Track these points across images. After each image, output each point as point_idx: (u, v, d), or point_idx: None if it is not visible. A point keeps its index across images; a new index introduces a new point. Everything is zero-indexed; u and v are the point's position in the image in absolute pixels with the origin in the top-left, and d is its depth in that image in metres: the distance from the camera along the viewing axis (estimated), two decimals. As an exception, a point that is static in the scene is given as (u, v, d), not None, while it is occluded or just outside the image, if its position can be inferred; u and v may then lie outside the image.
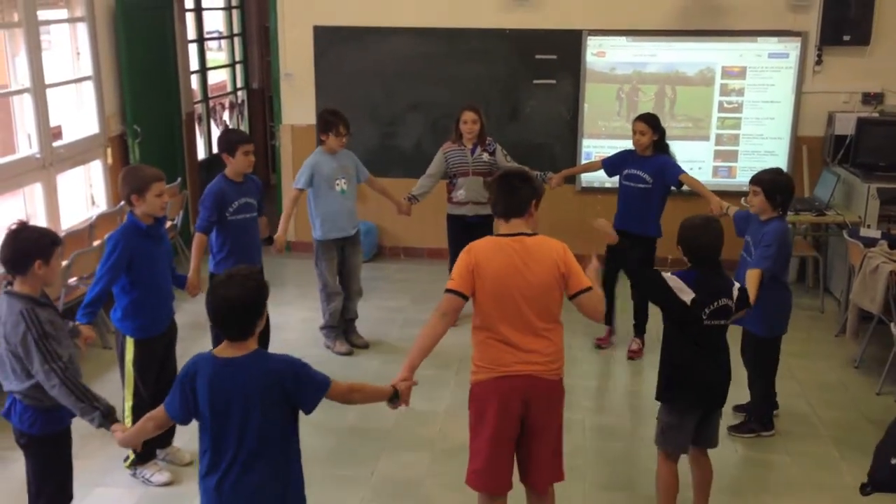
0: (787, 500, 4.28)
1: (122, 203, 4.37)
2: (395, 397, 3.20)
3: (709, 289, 3.63)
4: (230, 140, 4.93)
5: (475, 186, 5.97)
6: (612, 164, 5.90)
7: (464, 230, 5.94)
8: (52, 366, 3.13)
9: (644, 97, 7.36)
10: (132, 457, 4.30)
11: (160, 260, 4.24)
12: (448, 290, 3.33)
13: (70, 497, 3.53)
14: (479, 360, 3.39)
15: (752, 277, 4.35)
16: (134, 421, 3.96)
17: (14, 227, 3.26)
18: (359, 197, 6.08)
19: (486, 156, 6.02)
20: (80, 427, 3.45)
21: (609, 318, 5.80)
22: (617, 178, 5.85)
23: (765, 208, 4.49)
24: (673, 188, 5.65)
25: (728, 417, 4.83)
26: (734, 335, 4.15)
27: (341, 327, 5.91)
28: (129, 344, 4.20)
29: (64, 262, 5.58)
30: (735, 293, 3.73)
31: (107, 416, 3.19)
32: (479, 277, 3.30)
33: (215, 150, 9.44)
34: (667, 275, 3.69)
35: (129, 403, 4.22)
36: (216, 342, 4.54)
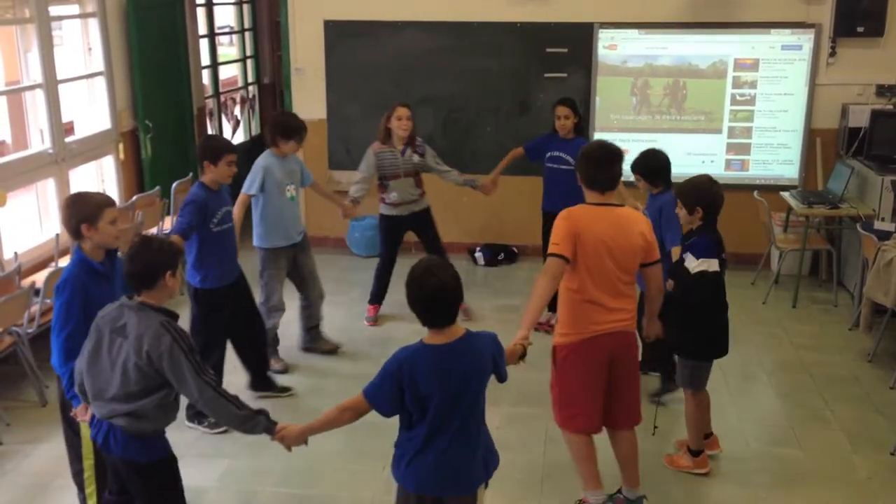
0: (800, 493, 4.26)
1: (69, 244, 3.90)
2: (524, 354, 3.38)
3: (718, 244, 4.02)
4: (215, 148, 4.70)
5: (406, 187, 5.98)
6: (534, 149, 6.14)
7: (397, 228, 6.12)
8: (204, 378, 3.02)
9: (656, 90, 7.33)
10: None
11: (106, 297, 3.42)
12: (552, 255, 3.62)
13: None
14: (572, 322, 3.73)
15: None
16: (97, 484, 3.57)
17: (137, 241, 3.14)
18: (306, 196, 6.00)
19: (416, 157, 5.96)
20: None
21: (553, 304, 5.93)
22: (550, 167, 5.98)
23: (649, 188, 4.79)
24: None
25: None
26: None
27: (301, 338, 5.76)
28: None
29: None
30: None
31: (269, 420, 3.15)
32: (580, 243, 3.60)
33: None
34: (692, 262, 3.96)
35: (88, 462, 3.61)
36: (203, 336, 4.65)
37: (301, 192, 5.60)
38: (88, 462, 3.53)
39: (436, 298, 2.86)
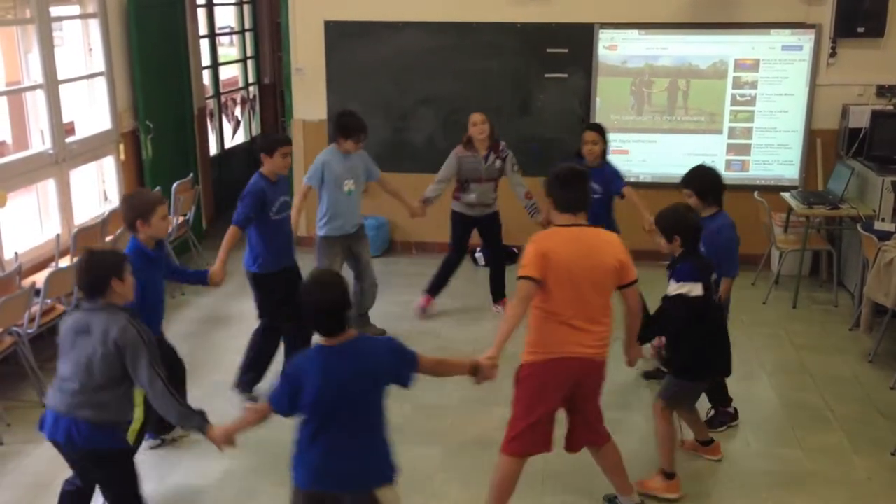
0: (800, 493, 4.26)
1: (120, 231, 4.35)
2: (477, 372, 3.43)
3: (705, 272, 3.98)
4: (271, 141, 5.01)
5: (486, 191, 6.16)
6: None
7: (468, 226, 6.29)
8: (156, 371, 3.31)
9: (657, 90, 7.33)
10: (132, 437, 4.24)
11: (159, 282, 4.29)
12: (521, 277, 3.55)
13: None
14: (538, 341, 3.65)
15: (725, 285, 4.51)
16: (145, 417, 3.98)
17: (83, 255, 3.44)
18: (370, 193, 6.09)
19: (498, 163, 6.09)
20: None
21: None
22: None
23: (701, 207, 4.52)
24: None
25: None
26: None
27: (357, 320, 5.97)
28: None
29: (76, 258, 5.62)
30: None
31: (205, 419, 3.40)
32: (550, 265, 3.53)
33: (227, 145, 9.55)
34: (673, 286, 3.93)
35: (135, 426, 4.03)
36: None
37: (363, 186, 5.81)
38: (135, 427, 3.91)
39: (322, 310, 3.01)
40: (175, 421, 3.47)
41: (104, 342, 3.30)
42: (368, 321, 6.07)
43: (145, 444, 4.64)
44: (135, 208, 4.09)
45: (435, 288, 6.42)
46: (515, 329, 3.56)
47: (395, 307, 6.52)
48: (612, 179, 5.71)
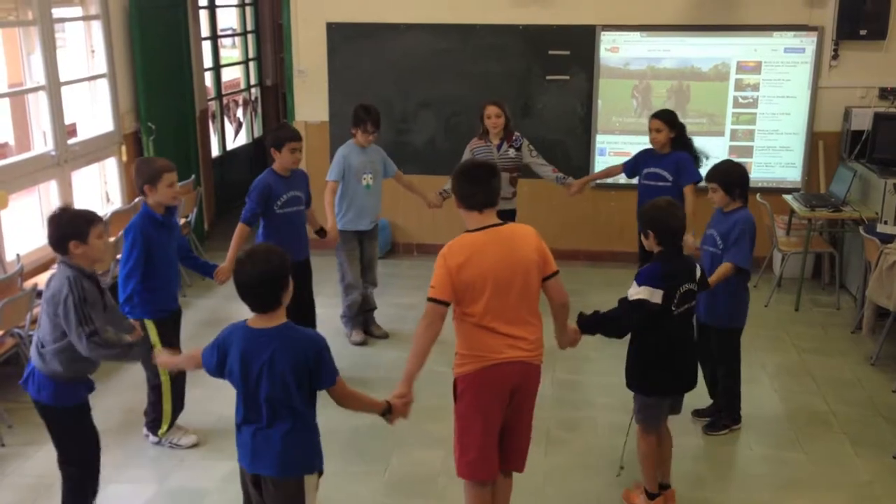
0: (803, 497, 4.25)
1: (138, 199, 4.55)
2: (389, 411, 3.29)
3: (673, 277, 3.73)
4: (278, 136, 5.05)
5: (503, 182, 6.01)
6: (631, 167, 5.93)
7: None
8: (83, 328, 3.42)
9: (658, 92, 7.32)
10: (166, 424, 4.57)
11: (170, 249, 4.45)
12: (430, 300, 3.33)
13: (96, 471, 3.80)
14: (467, 349, 3.39)
15: (723, 269, 4.40)
16: (173, 390, 4.51)
17: (55, 211, 3.57)
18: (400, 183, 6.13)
19: (512, 151, 6.03)
20: (55, 453, 3.72)
21: None
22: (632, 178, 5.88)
23: (727, 201, 4.50)
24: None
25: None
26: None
27: (360, 318, 6.00)
28: (150, 326, 4.37)
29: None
30: (697, 274, 3.89)
31: (140, 346, 3.70)
32: (462, 277, 3.29)
33: (229, 147, 9.55)
34: (633, 290, 3.72)
35: (164, 378, 4.48)
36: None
37: (381, 182, 5.86)
38: (165, 378, 4.45)
39: (251, 285, 2.95)
40: (118, 359, 3.75)
41: (46, 296, 3.49)
42: (374, 320, 6.11)
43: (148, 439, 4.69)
44: (142, 174, 4.28)
45: None
46: (427, 358, 3.35)
47: (396, 309, 6.51)
48: (682, 169, 5.53)
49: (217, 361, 3.06)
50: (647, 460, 4.00)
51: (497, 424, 3.44)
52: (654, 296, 3.68)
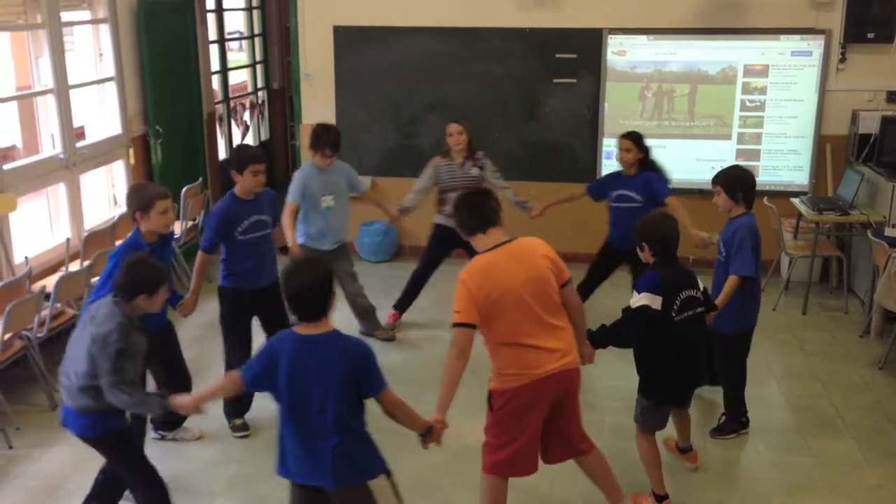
0: (810, 501, 4.24)
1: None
2: (428, 433, 3.36)
3: (672, 284, 3.82)
4: (242, 158, 4.74)
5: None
6: (598, 189, 5.96)
7: (449, 241, 6.02)
8: (113, 377, 3.37)
9: (665, 95, 7.32)
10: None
11: None
12: (457, 325, 3.39)
13: (163, 488, 3.71)
14: (508, 367, 3.46)
15: (729, 284, 4.43)
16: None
17: (131, 259, 3.58)
18: (361, 197, 6.10)
19: (475, 170, 6.00)
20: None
21: None
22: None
23: (729, 205, 4.52)
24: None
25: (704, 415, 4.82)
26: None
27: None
28: None
29: (86, 262, 5.64)
30: (700, 288, 3.97)
31: (162, 397, 3.51)
32: (486, 299, 3.36)
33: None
34: (634, 299, 3.82)
35: None
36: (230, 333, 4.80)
37: (347, 201, 5.77)
38: None
39: (300, 295, 3.03)
40: (136, 407, 3.57)
41: (91, 334, 3.42)
42: (376, 322, 6.10)
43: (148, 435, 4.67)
44: (134, 201, 4.12)
45: (404, 303, 6.31)
46: (457, 386, 3.41)
47: (407, 314, 6.50)
48: (653, 187, 5.62)
49: (262, 371, 3.07)
50: (650, 462, 4.04)
51: (537, 432, 3.55)
52: (655, 302, 3.76)
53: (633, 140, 5.66)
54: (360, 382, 3.04)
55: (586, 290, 5.93)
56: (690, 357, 3.95)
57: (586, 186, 6.06)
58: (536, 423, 3.53)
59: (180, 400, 3.45)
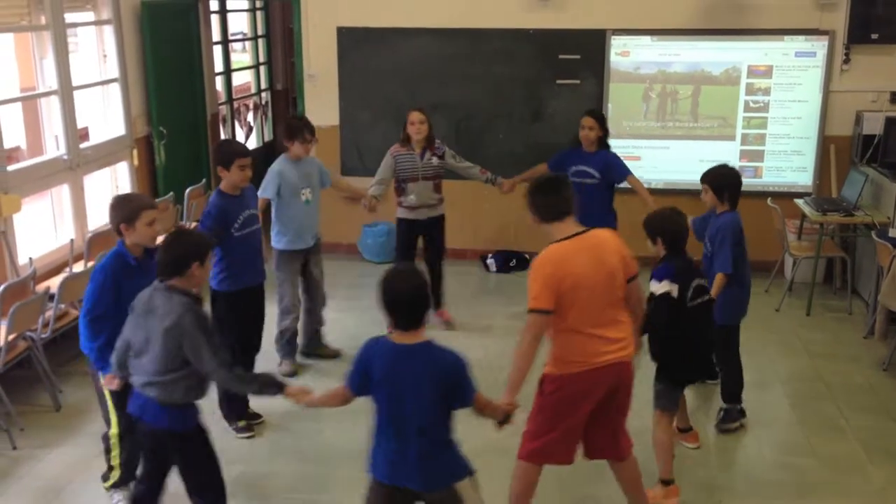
0: (814, 502, 4.23)
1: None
2: (507, 419, 3.37)
3: (685, 274, 4.01)
4: (227, 152, 4.71)
5: (425, 190, 5.98)
6: (556, 163, 6.01)
7: (413, 233, 6.07)
8: (218, 359, 3.29)
9: (669, 96, 7.31)
10: (114, 478, 4.12)
11: (133, 290, 3.69)
12: (533, 311, 3.44)
13: (223, 486, 3.61)
14: (568, 353, 3.52)
15: (717, 281, 4.57)
16: (122, 449, 4.03)
17: (173, 232, 3.45)
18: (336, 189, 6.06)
19: (435, 160, 5.96)
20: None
21: None
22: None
23: (715, 203, 4.69)
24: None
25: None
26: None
27: (292, 346, 5.63)
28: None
29: (90, 263, 5.65)
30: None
31: (278, 386, 3.42)
32: (561, 289, 3.42)
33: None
34: (655, 286, 3.96)
35: (114, 431, 4.01)
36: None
37: (319, 195, 5.58)
38: (114, 431, 3.98)
39: (402, 303, 3.04)
40: (254, 395, 3.47)
41: (164, 329, 3.28)
42: (320, 341, 5.82)
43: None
44: (119, 212, 3.85)
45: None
46: (528, 369, 3.45)
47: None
48: (613, 166, 5.75)
49: (361, 380, 3.11)
50: (662, 447, 4.16)
51: (581, 423, 3.60)
52: (673, 290, 3.95)
53: (597, 119, 5.80)
54: (454, 394, 3.07)
55: None
56: (702, 341, 4.14)
57: (547, 162, 6.12)
58: (584, 413, 3.57)
59: (296, 389, 3.42)
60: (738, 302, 4.74)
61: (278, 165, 5.38)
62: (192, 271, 3.34)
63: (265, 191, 5.31)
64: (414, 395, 3.01)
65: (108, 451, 4.12)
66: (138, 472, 3.70)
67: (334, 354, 5.78)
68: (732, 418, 4.83)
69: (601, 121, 5.82)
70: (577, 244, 3.51)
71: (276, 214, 5.39)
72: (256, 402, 4.88)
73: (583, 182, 5.73)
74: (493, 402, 3.27)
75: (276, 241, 5.45)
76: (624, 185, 5.95)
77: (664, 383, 4.14)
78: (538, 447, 3.63)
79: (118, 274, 3.79)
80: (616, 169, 5.82)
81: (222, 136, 8.93)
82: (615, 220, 5.79)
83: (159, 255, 3.40)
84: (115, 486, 4.15)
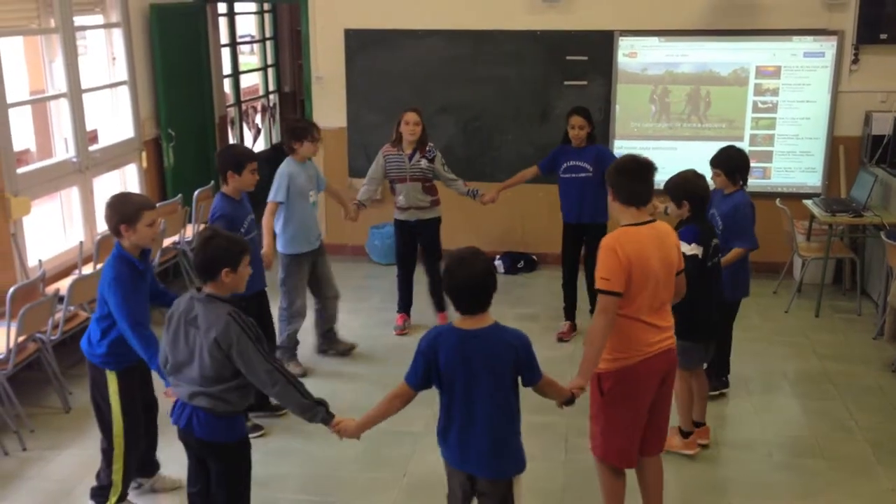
0: (823, 503, 4.23)
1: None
2: (572, 401, 3.39)
3: (706, 236, 4.27)
4: (238, 156, 4.73)
5: (413, 192, 5.95)
6: (547, 165, 6.05)
7: (409, 234, 6.08)
8: (272, 366, 3.19)
9: (676, 97, 7.30)
10: (116, 495, 4.00)
11: (144, 296, 3.88)
12: (606, 292, 3.45)
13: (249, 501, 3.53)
14: (626, 345, 3.51)
15: (734, 253, 4.80)
16: (126, 456, 3.94)
17: (205, 235, 3.31)
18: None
19: (424, 162, 5.92)
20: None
21: (570, 314, 6.18)
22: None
23: (727, 184, 4.91)
24: None
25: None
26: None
27: (295, 350, 5.63)
28: (112, 378, 3.90)
29: (99, 265, 5.67)
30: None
31: (328, 412, 3.30)
32: (632, 273, 3.44)
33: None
34: (685, 247, 4.06)
35: (118, 431, 3.94)
36: None
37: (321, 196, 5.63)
38: (118, 431, 3.90)
39: (467, 287, 3.03)
40: (299, 415, 3.30)
41: (208, 339, 3.16)
42: (335, 336, 5.86)
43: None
44: (119, 212, 3.77)
45: (401, 305, 6.27)
46: (602, 351, 3.47)
47: (415, 317, 6.51)
48: (605, 158, 5.74)
49: (424, 371, 3.11)
50: (683, 399, 4.42)
51: (645, 415, 3.62)
52: (699, 251, 4.19)
53: (586, 116, 5.85)
54: (522, 372, 3.11)
55: (569, 279, 6.10)
56: (717, 297, 4.42)
57: (537, 164, 6.13)
58: (646, 405, 3.59)
59: (346, 424, 3.29)
60: (746, 279, 5.00)
61: (287, 168, 5.35)
62: (222, 278, 3.21)
63: (277, 194, 5.30)
64: (485, 381, 3.04)
65: (108, 465, 3.99)
66: (188, 489, 3.54)
67: (350, 348, 5.88)
68: (714, 387, 4.97)
69: (589, 118, 5.87)
70: (645, 233, 3.53)
71: (285, 217, 5.36)
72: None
73: (576, 177, 5.84)
74: (557, 384, 3.29)
75: (286, 245, 5.42)
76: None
77: (688, 340, 4.21)
78: (617, 448, 3.63)
79: (125, 276, 3.74)
80: (609, 160, 5.65)
81: (230, 139, 8.96)
82: (608, 214, 5.77)
83: (193, 257, 3.35)
84: (119, 500, 4.03)
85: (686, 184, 4.30)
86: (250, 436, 4.62)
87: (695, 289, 3.98)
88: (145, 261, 3.88)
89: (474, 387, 3.05)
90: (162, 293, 4.09)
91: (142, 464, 4.19)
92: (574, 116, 5.85)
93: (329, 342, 5.84)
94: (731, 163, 4.89)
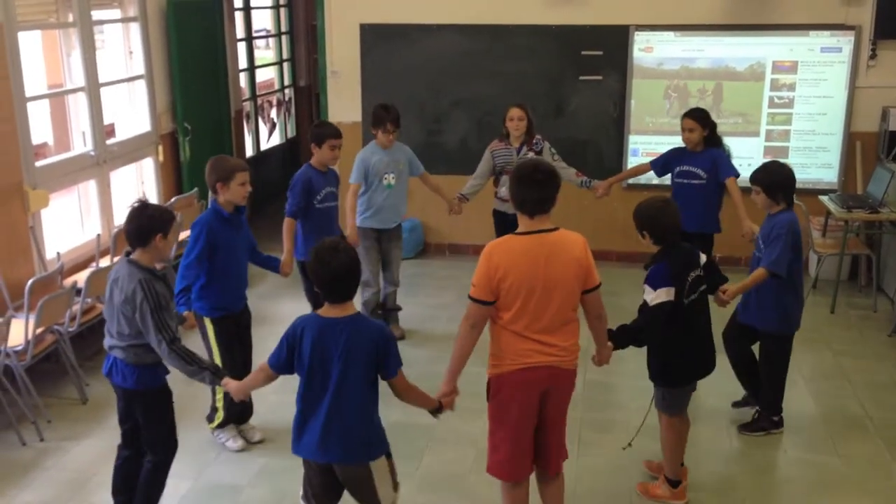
0: (838, 500, 4.21)
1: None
2: (439, 410, 3.46)
3: (679, 270, 3.78)
4: (320, 133, 5.27)
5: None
6: (661, 164, 5.83)
7: (505, 224, 6.03)
8: (163, 335, 3.50)
9: (692, 92, 7.28)
10: (219, 419, 4.59)
11: (238, 248, 4.47)
12: (472, 299, 3.36)
13: (176, 444, 3.86)
14: (500, 353, 3.42)
15: (756, 274, 4.39)
16: (229, 400, 4.29)
17: (137, 204, 3.63)
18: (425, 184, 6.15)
19: (531, 154, 5.96)
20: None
21: None
22: (666, 176, 5.81)
23: (769, 204, 4.42)
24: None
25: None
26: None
27: (376, 316, 5.92)
28: (208, 323, 4.43)
29: (116, 258, 5.71)
30: (701, 264, 3.91)
31: (216, 374, 3.61)
32: (502, 281, 3.29)
33: (263, 147, 9.65)
34: (649, 295, 3.75)
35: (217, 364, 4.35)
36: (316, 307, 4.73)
37: (407, 181, 5.93)
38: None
39: (338, 275, 3.09)
40: (191, 377, 3.59)
41: (121, 299, 3.52)
42: (397, 319, 6.13)
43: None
44: (215, 172, 4.34)
45: None
46: (468, 358, 3.43)
47: (426, 309, 6.54)
48: (719, 164, 5.47)
49: (287, 355, 3.17)
50: (674, 447, 4.07)
51: (529, 427, 3.47)
52: (670, 294, 3.72)
53: (696, 118, 5.49)
54: (380, 363, 3.16)
55: None
56: (704, 336, 3.97)
57: (651, 162, 5.96)
58: (527, 417, 3.43)
59: (232, 382, 3.52)
60: (794, 312, 4.56)
61: (364, 152, 5.81)
62: (155, 244, 3.55)
63: (353, 177, 5.76)
64: (343, 368, 3.10)
65: (213, 392, 4.54)
66: (121, 428, 3.88)
67: (400, 336, 5.98)
68: (761, 427, 4.74)
69: (701, 120, 5.48)
70: (533, 242, 3.33)
71: (361, 194, 5.77)
72: (264, 418, 4.88)
73: (689, 183, 5.55)
74: (418, 390, 3.34)
75: (358, 218, 5.79)
76: (656, 181, 5.86)
77: (671, 387, 3.99)
78: (497, 459, 3.52)
79: (214, 225, 4.29)
80: (722, 167, 5.49)
81: (246, 133, 9.00)
82: (718, 224, 5.61)
83: (124, 225, 3.62)
84: (220, 426, 4.62)
85: (646, 211, 3.81)
86: (251, 440, 4.67)
87: (668, 332, 3.79)
88: (238, 215, 4.42)
89: (331, 372, 3.11)
90: (256, 252, 4.67)
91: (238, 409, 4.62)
92: (684, 119, 5.55)
93: (387, 323, 6.01)
94: (771, 179, 4.37)
